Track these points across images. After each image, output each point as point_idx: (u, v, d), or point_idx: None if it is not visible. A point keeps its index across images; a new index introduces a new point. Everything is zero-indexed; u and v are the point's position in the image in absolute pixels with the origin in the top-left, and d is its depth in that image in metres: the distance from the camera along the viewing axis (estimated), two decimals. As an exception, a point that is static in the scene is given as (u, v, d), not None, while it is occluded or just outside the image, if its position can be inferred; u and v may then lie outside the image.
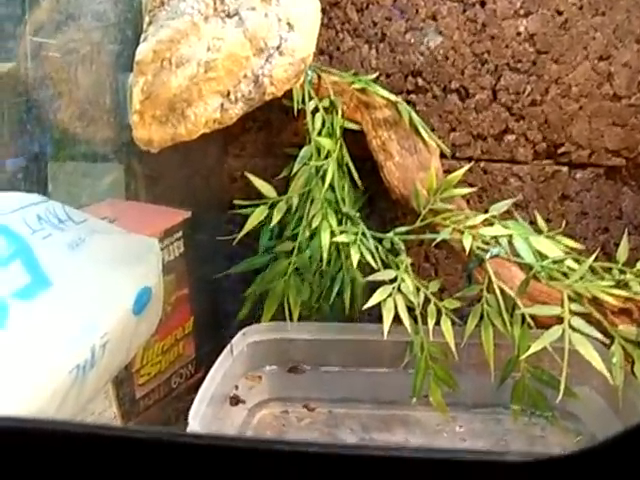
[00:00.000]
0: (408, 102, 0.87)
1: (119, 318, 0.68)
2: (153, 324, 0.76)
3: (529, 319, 0.73)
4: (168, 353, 0.84)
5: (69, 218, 0.72)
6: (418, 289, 0.76)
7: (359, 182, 0.85)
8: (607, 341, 0.70)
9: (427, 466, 0.34)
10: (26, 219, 0.69)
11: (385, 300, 0.74)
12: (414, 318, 0.75)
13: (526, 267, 0.75)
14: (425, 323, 0.75)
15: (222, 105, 0.70)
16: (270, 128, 0.92)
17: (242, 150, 0.93)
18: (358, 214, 0.81)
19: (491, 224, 0.78)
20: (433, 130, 0.88)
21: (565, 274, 0.74)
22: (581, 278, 0.73)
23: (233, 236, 0.80)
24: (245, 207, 0.81)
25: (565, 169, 0.90)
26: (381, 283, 0.76)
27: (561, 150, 0.89)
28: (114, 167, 0.89)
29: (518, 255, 0.76)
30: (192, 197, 0.90)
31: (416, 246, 0.91)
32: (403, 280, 0.75)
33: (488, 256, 0.75)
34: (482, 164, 0.90)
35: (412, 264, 0.78)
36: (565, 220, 0.88)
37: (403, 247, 0.78)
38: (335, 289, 0.80)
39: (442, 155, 0.87)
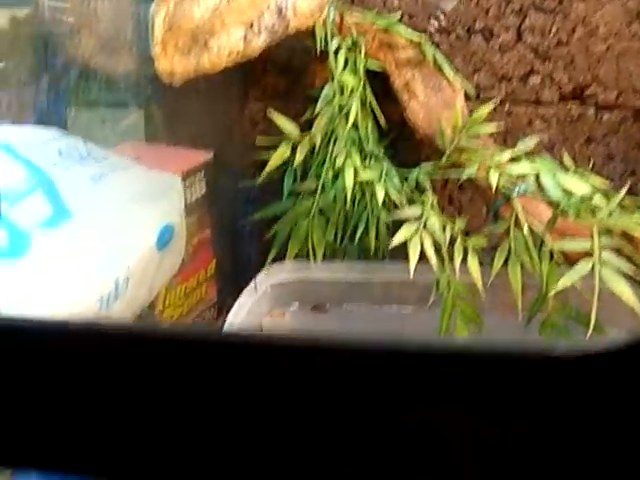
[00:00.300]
0: (431, 43, 0.85)
1: (142, 253, 0.68)
2: (176, 262, 0.75)
3: (558, 255, 0.71)
4: (190, 296, 0.83)
5: (90, 154, 0.71)
6: (444, 227, 0.75)
7: (382, 122, 0.83)
8: (638, 278, 0.69)
9: (465, 360, 0.33)
10: (47, 152, 0.68)
11: (411, 238, 0.73)
12: (440, 257, 0.74)
13: (554, 204, 0.74)
14: (451, 261, 0.74)
15: (245, 36, 0.69)
16: (291, 71, 0.91)
17: (263, 93, 0.92)
18: (382, 151, 0.80)
19: (518, 161, 0.76)
20: (457, 71, 0.86)
21: (593, 211, 0.73)
22: (610, 214, 0.71)
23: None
24: (268, 148, 0.80)
25: (591, 111, 0.88)
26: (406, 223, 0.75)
27: (588, 92, 0.88)
28: (134, 110, 0.88)
29: (545, 192, 0.74)
30: (213, 141, 0.89)
31: (440, 188, 0.89)
32: (429, 217, 0.74)
33: (515, 193, 0.74)
34: (507, 106, 0.89)
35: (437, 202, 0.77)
36: (592, 163, 0.86)
37: (429, 185, 0.77)
38: (360, 229, 0.78)
39: (466, 97, 0.85)
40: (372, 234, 0.78)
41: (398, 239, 0.73)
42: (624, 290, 0.67)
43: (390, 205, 0.76)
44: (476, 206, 0.91)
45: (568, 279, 0.68)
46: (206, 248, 0.84)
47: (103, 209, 0.66)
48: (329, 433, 0.35)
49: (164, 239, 0.71)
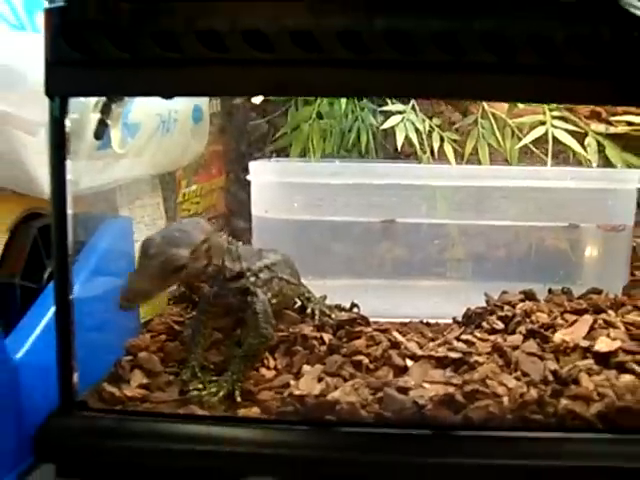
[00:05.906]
0: None
1: (184, 111, 0.82)
2: (202, 143, 0.89)
3: (517, 132, 0.88)
4: (205, 198, 0.96)
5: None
6: (423, 121, 0.91)
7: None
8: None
9: None
10: None
11: (397, 124, 0.89)
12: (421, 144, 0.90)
13: (512, 100, 0.91)
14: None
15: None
16: None
17: None
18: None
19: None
20: None
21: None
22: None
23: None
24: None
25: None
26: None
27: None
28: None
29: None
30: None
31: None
32: (411, 112, 0.91)
33: (480, 93, 0.91)
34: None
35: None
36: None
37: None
38: (352, 136, 0.94)
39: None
40: (364, 138, 0.94)
41: (388, 124, 0.89)
42: (571, 141, 0.84)
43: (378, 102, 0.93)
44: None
45: (527, 139, 0.85)
46: (219, 161, 0.98)
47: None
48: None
49: (196, 115, 0.86)
